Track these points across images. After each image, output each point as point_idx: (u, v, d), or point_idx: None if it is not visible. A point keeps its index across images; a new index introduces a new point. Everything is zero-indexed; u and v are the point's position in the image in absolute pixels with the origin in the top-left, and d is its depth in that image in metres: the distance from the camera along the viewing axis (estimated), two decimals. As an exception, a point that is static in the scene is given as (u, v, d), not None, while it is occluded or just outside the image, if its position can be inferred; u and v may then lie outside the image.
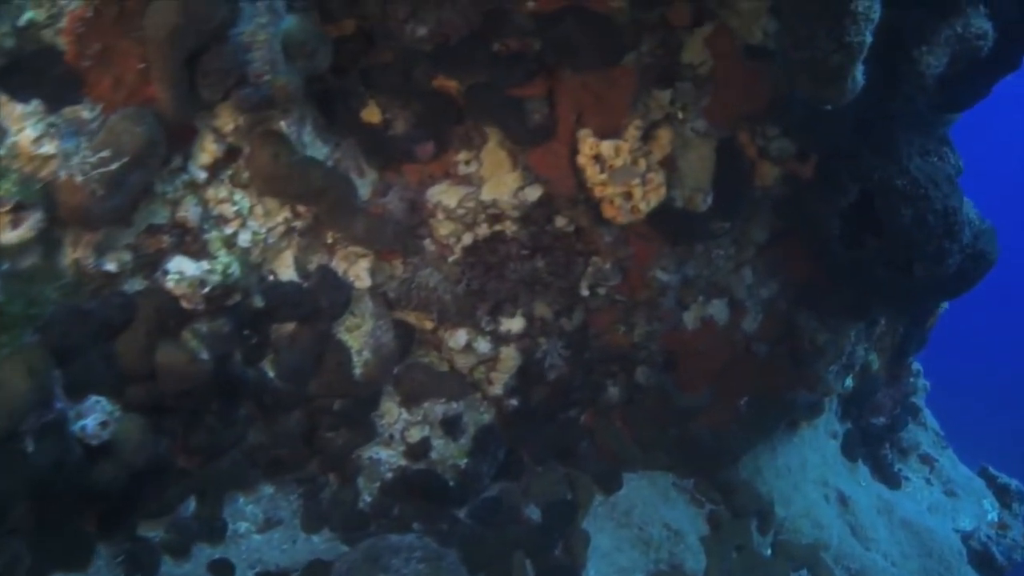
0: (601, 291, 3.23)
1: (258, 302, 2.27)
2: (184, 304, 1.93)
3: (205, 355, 2.01)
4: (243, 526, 2.75)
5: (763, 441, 3.99)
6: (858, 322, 3.56)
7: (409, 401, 3.14)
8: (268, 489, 2.90)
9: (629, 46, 2.46)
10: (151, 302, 1.86)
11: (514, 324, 3.10)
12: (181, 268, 1.95)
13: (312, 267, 2.51)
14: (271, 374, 2.54)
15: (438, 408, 3.23)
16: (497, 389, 3.31)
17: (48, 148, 1.61)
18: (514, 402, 3.42)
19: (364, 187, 2.57)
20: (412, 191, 2.75)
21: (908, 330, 4.60)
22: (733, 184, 2.97)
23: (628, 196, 2.67)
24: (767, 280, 3.44)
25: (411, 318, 3.04)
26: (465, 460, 3.31)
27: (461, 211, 2.74)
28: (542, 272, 3.01)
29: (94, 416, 1.72)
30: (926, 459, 5.07)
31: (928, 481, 5.02)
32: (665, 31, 2.51)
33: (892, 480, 4.85)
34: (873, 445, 4.83)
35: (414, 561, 2.61)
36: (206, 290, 1.95)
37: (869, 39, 2.07)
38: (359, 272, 2.64)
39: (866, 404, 4.73)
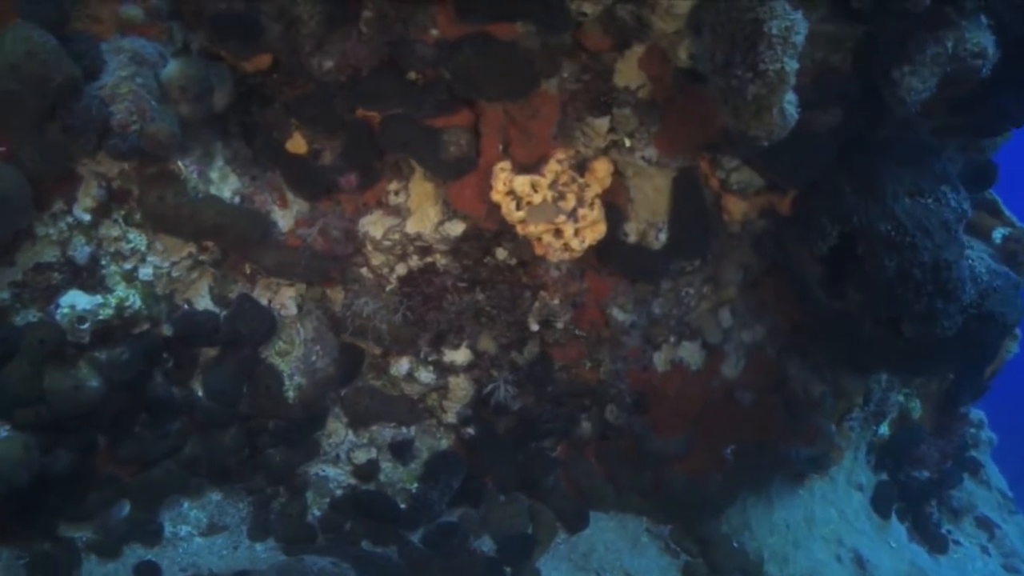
0: (559, 324, 3.08)
1: (167, 331, 2.38)
2: (69, 337, 2.07)
3: (95, 383, 2.15)
4: (184, 529, 2.93)
5: (753, 494, 3.65)
6: (857, 377, 3.14)
7: (356, 423, 3.18)
8: (216, 496, 3.06)
9: (545, 73, 2.29)
10: (37, 333, 2.02)
11: (458, 356, 3.03)
12: (74, 302, 2.09)
13: (232, 295, 2.59)
14: (200, 393, 2.68)
15: (387, 432, 3.25)
16: (450, 418, 3.27)
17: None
18: (470, 431, 3.36)
19: (285, 219, 2.60)
20: (346, 220, 2.76)
21: (960, 377, 4.00)
22: (693, 219, 2.70)
23: (559, 233, 2.51)
24: (750, 323, 3.11)
25: (360, 343, 3.07)
26: (415, 485, 3.32)
27: (387, 242, 2.70)
28: (483, 305, 2.91)
29: None
30: (984, 523, 4.40)
31: (984, 550, 4.35)
32: (588, 55, 2.31)
33: (936, 543, 4.26)
34: (914, 501, 4.26)
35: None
36: (85, 325, 2.06)
37: (792, 66, 1.78)
38: (284, 301, 2.70)
39: (906, 455, 4.19)
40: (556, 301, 2.93)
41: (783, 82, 1.76)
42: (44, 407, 2.05)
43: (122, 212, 2.16)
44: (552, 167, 2.40)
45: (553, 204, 2.43)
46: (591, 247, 2.58)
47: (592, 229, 2.54)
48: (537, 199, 2.40)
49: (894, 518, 4.21)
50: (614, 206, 2.72)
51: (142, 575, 2.65)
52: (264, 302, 2.67)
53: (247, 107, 2.50)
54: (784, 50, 1.69)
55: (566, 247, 2.54)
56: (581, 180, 2.51)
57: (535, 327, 3.00)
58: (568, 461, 3.55)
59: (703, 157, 2.63)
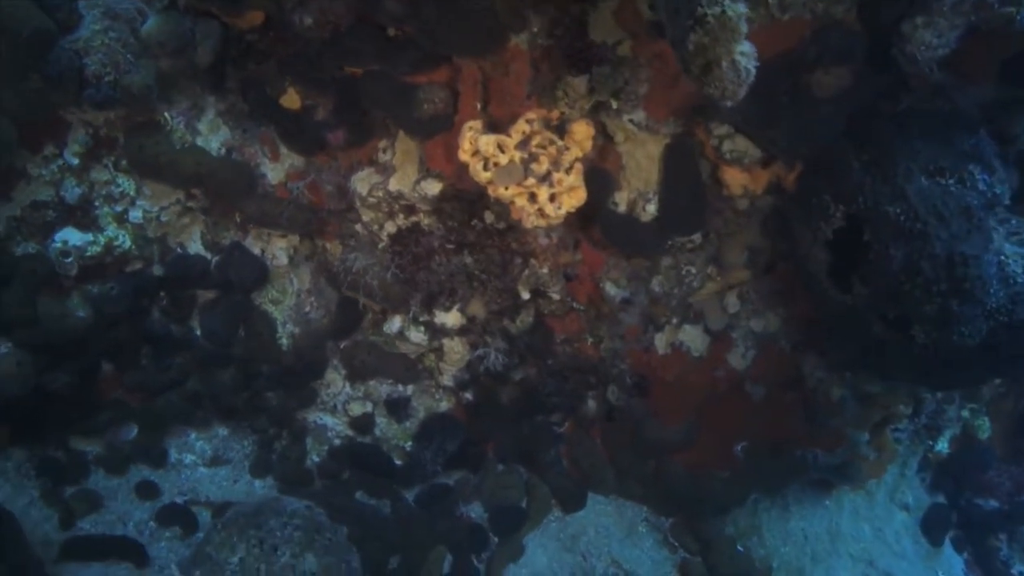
0: (554, 295, 2.98)
1: (157, 271, 2.56)
2: (57, 269, 2.28)
3: (82, 312, 2.36)
4: (189, 458, 3.18)
5: (767, 497, 3.37)
6: (878, 382, 2.78)
7: (354, 376, 3.28)
8: (223, 431, 3.29)
9: (514, 27, 2.17)
10: (30, 264, 2.24)
11: (449, 318, 3.02)
12: (67, 238, 2.30)
13: (225, 242, 2.73)
14: (197, 332, 2.87)
15: (383, 388, 3.32)
16: (447, 380, 3.28)
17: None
18: (468, 396, 3.36)
19: (276, 171, 2.69)
20: (340, 176, 2.81)
21: (1042, 398, 3.44)
22: (685, 190, 2.47)
23: (533, 198, 2.40)
24: (762, 312, 2.83)
25: (360, 298, 3.14)
26: (409, 443, 3.38)
27: (372, 199, 2.72)
28: (473, 269, 2.87)
29: None
30: (1067, 571, 3.79)
31: (1063, 600, 3.76)
32: (555, 8, 2.16)
33: (997, 581, 3.75)
34: (977, 532, 3.76)
35: (290, 528, 2.77)
36: (69, 259, 2.26)
37: (736, 10, 1.55)
38: (275, 251, 2.80)
39: (969, 479, 3.69)
40: (545, 270, 2.83)
41: (727, 29, 1.54)
42: (38, 330, 2.29)
43: (112, 158, 2.33)
44: (520, 127, 2.29)
45: (522, 166, 2.32)
46: (573, 214, 2.44)
47: (570, 195, 2.40)
48: (504, 160, 2.30)
49: (948, 546, 3.73)
50: (604, 172, 2.55)
51: (142, 493, 2.92)
52: (256, 251, 2.80)
53: (245, 63, 2.60)
54: (718, -8, 1.48)
55: (541, 213, 2.41)
56: (560, 143, 2.37)
57: (526, 295, 2.92)
58: (572, 439, 3.46)
59: (698, 123, 2.40)
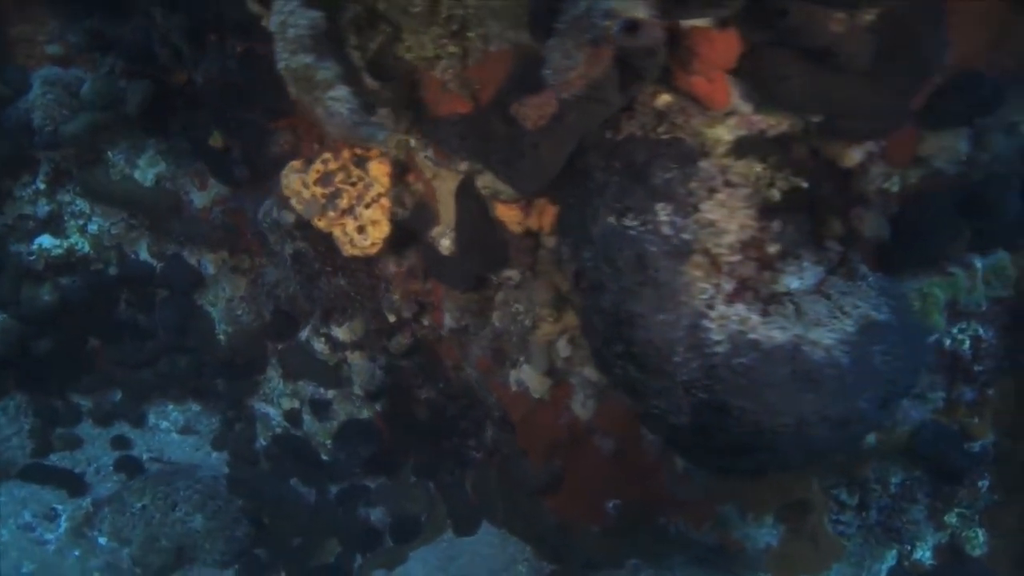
0: (425, 321, 3.17)
1: (112, 271, 3.35)
2: (33, 264, 3.16)
3: (47, 297, 3.21)
4: (164, 424, 3.96)
5: (650, 565, 3.08)
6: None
7: (287, 375, 3.78)
8: (196, 407, 4.03)
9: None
10: (11, 259, 3.15)
11: (342, 333, 3.37)
12: (42, 241, 3.18)
13: (169, 253, 3.44)
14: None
15: (309, 388, 3.77)
16: (357, 391, 3.63)
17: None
18: (377, 408, 3.66)
19: (202, 198, 3.33)
20: (255, 202, 3.34)
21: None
22: (473, 226, 2.52)
23: (343, 229, 2.66)
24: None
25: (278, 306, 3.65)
26: (329, 442, 3.78)
27: (266, 224, 3.20)
28: (348, 290, 3.18)
29: None
30: None
31: None
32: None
33: None
34: None
35: (192, 491, 3.37)
36: (32, 257, 3.12)
37: (298, 61, 1.73)
38: (205, 262, 3.44)
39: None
40: (397, 297, 3.04)
41: (302, 78, 1.73)
42: (19, 308, 3.19)
43: (71, 185, 3.16)
44: (316, 167, 2.59)
45: (323, 201, 2.61)
46: (383, 246, 2.66)
47: (374, 228, 2.63)
48: (307, 195, 2.62)
49: None
50: (428, 206, 2.71)
51: (116, 445, 3.75)
52: (192, 261, 3.46)
53: (184, 111, 3.29)
54: (285, 46, 1.68)
55: (352, 243, 2.68)
56: (367, 179, 2.62)
57: (392, 319, 3.15)
58: (477, 465, 3.56)
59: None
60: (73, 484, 3.31)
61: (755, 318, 1.64)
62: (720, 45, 1.54)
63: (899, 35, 1.48)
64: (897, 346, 1.79)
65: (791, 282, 1.97)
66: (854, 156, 1.95)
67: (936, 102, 1.75)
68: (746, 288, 1.81)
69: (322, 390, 3.74)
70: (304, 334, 3.53)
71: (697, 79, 1.64)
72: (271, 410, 3.88)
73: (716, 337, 1.70)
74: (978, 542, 2.87)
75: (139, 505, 3.23)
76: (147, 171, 3.20)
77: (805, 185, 1.99)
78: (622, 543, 3.02)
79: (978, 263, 2.39)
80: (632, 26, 1.40)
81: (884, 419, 1.82)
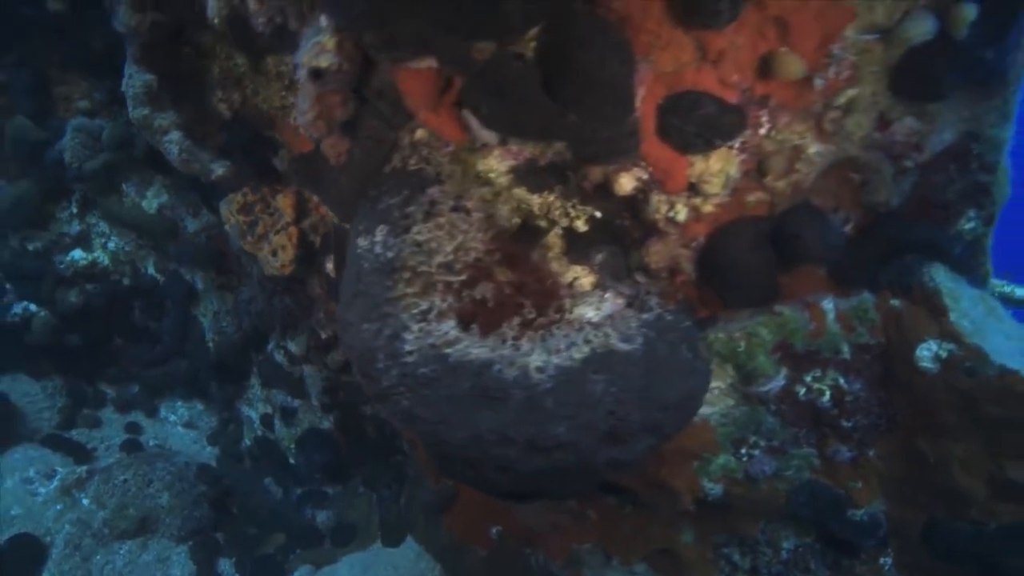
0: (353, 341, 3.52)
1: (126, 282, 4.08)
2: (65, 272, 3.94)
3: (73, 299, 3.97)
4: (172, 417, 4.60)
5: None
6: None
7: (264, 383, 4.27)
8: (200, 406, 4.65)
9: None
10: (52, 267, 3.95)
11: (294, 346, 3.80)
12: (73, 255, 3.97)
13: (170, 269, 4.11)
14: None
15: (279, 397, 4.22)
16: (314, 401, 4.03)
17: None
18: (331, 418, 4.03)
19: (195, 223, 3.96)
20: (237, 231, 3.92)
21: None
22: (339, 245, 2.84)
23: (262, 252, 3.11)
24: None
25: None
26: (293, 447, 4.21)
27: (236, 247, 3.74)
28: (293, 308, 3.61)
29: (19, 306, 3.94)
30: None
31: None
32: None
33: None
34: None
35: (165, 472, 3.91)
36: (63, 266, 3.90)
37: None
38: (196, 279, 4.06)
39: None
40: (322, 315, 3.41)
41: (144, 126, 2.19)
42: (53, 306, 3.98)
43: (95, 211, 3.92)
44: (237, 199, 3.07)
45: (246, 228, 3.08)
46: (289, 267, 3.07)
47: (283, 251, 3.05)
48: (233, 222, 3.10)
49: None
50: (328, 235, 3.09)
51: (128, 430, 4.44)
52: (188, 278, 4.09)
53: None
54: (130, 101, 2.16)
55: (269, 264, 3.12)
56: (279, 209, 3.06)
57: (324, 335, 3.53)
58: (415, 480, 3.82)
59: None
60: (81, 454, 4.00)
61: (457, 335, 1.79)
62: (417, 84, 1.73)
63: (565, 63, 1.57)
64: (632, 379, 1.83)
65: (586, 312, 2.08)
66: (624, 184, 1.96)
67: (668, 121, 1.73)
68: (484, 307, 1.96)
69: (290, 399, 4.19)
70: (270, 347, 4.02)
71: (426, 114, 1.85)
72: (252, 413, 4.39)
73: (409, 348, 1.82)
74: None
75: (122, 478, 3.82)
76: (152, 201, 3.90)
77: (598, 215, 2.09)
78: (502, 569, 3.10)
79: (827, 304, 2.27)
80: (317, 73, 1.67)
81: (620, 453, 1.84)
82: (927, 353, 2.10)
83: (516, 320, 1.98)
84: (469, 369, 1.74)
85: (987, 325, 2.14)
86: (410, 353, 1.78)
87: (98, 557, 3.54)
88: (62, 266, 3.91)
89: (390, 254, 1.91)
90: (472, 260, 1.89)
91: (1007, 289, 2.45)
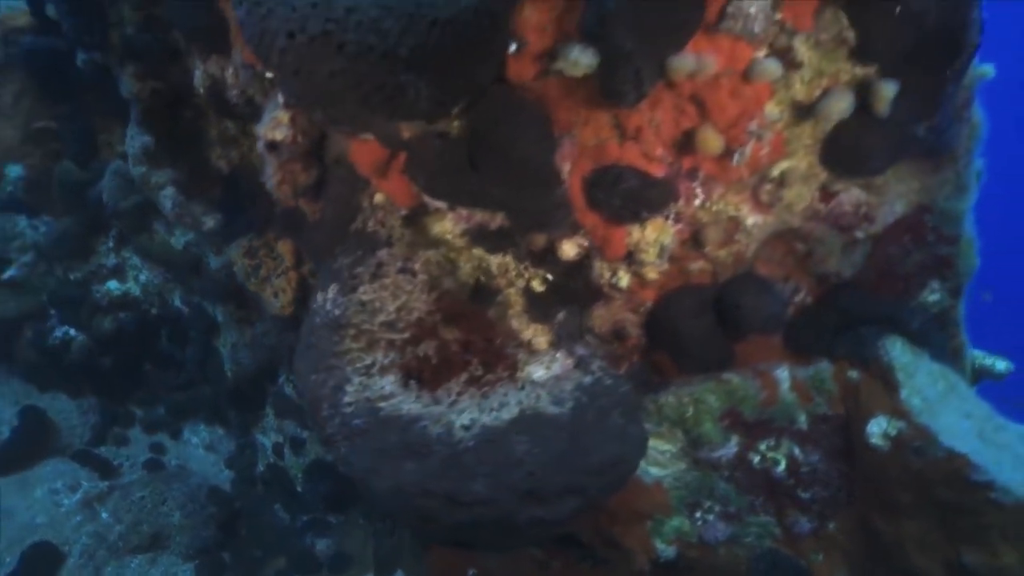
0: (351, 378, 3.68)
1: (155, 311, 4.40)
2: (101, 301, 4.29)
3: (107, 325, 4.31)
4: (194, 440, 4.87)
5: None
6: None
7: (278, 414, 4.48)
8: (220, 431, 4.90)
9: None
10: (90, 295, 4.30)
11: (300, 380, 3.99)
12: (109, 285, 4.32)
13: (195, 302, 4.40)
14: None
15: (290, 427, 4.41)
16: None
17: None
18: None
19: (217, 261, 4.25)
20: (254, 268, 4.17)
21: None
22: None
23: (266, 293, 3.32)
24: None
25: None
26: (301, 475, 4.38)
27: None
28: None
29: (61, 330, 4.30)
30: None
31: None
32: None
33: None
34: None
35: (180, 492, 4.14)
36: (99, 295, 4.24)
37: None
38: (217, 312, 4.33)
39: None
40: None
41: (143, 182, 2.43)
42: (90, 331, 4.33)
43: (129, 246, 4.26)
44: (243, 243, 3.30)
45: (251, 270, 3.30)
46: (289, 308, 3.27)
47: (283, 294, 3.26)
48: (239, 263, 3.33)
49: None
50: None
51: (152, 449, 4.72)
52: (210, 311, 4.37)
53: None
54: (131, 159, 2.40)
55: (271, 304, 3.33)
56: (280, 254, 3.27)
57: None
58: None
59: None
60: (106, 470, 4.29)
61: (393, 390, 1.90)
62: (366, 153, 1.88)
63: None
64: (554, 442, 1.90)
65: (535, 371, 2.17)
66: (567, 250, 2.06)
67: (594, 194, 1.81)
68: (431, 364, 2.06)
69: (299, 429, 4.38)
70: (280, 379, 4.23)
71: (378, 180, 1.99)
72: (266, 441, 4.60)
73: (348, 400, 1.96)
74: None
75: (139, 495, 4.08)
76: (180, 238, 4.21)
77: (550, 277, 2.18)
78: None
79: (780, 372, 2.27)
80: (273, 146, 1.84)
81: (544, 512, 1.88)
82: (876, 429, 2.07)
83: (464, 376, 2.07)
84: (397, 424, 1.84)
85: (943, 403, 2.08)
86: (349, 404, 1.90)
87: (109, 568, 3.78)
88: (99, 295, 4.25)
89: (337, 312, 2.05)
90: (415, 319, 2.00)
91: (987, 362, 2.37)
